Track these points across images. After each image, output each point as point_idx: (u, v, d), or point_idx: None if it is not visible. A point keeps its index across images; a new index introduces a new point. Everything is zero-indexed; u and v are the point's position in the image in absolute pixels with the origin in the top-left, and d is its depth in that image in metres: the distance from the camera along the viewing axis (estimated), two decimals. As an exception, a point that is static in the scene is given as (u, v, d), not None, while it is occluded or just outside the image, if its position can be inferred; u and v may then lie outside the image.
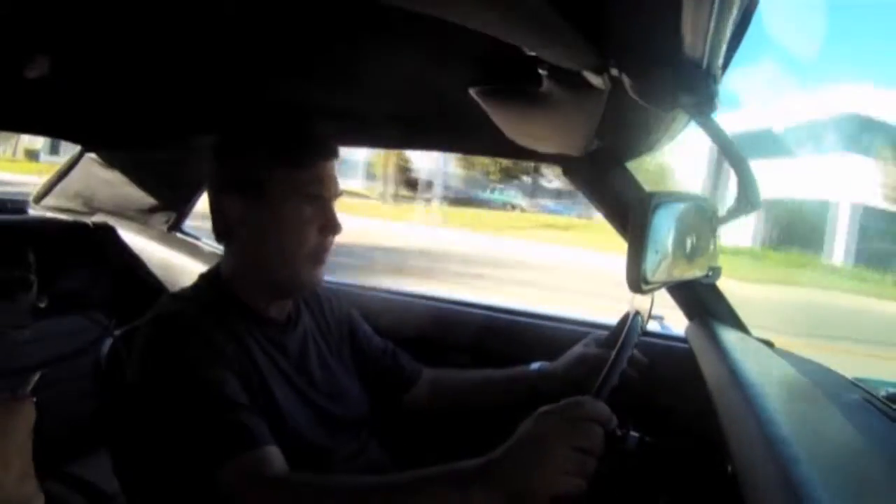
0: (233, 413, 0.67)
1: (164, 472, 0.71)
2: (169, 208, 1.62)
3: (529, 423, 0.60)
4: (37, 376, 0.50)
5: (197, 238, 1.65)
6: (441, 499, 0.58)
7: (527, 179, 20.62)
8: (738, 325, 1.10)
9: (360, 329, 0.99)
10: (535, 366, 0.97)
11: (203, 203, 0.98)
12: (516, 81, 0.70)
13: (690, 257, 0.77)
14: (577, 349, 0.95)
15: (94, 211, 1.66)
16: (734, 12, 0.44)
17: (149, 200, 1.61)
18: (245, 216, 0.79)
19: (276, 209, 0.78)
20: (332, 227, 0.81)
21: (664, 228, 0.65)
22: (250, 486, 0.62)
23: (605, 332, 0.98)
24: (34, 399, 0.50)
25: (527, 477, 0.56)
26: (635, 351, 0.80)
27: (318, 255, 0.81)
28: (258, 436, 0.66)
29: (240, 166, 0.79)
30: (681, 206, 0.71)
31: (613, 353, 0.75)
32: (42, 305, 0.52)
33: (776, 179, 13.33)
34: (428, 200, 18.12)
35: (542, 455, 0.57)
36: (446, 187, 19.23)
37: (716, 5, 0.41)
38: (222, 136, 0.82)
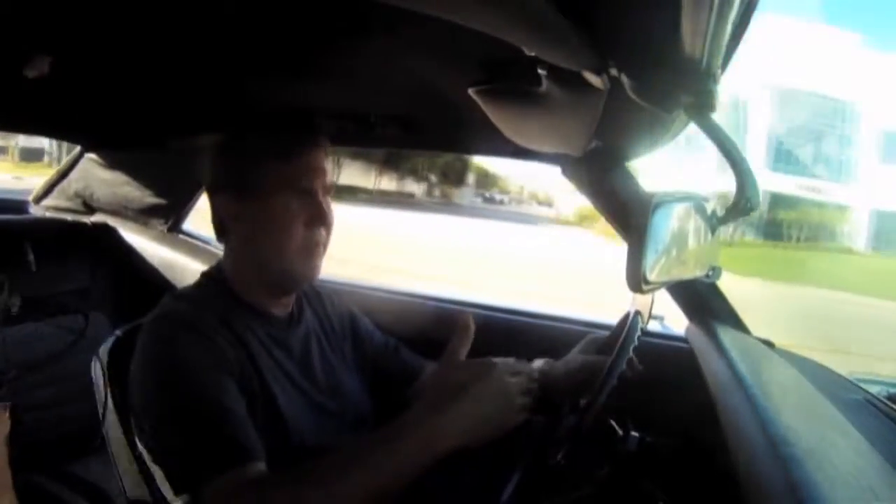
0: (227, 425, 0.66)
1: (162, 474, 0.71)
2: (169, 208, 1.62)
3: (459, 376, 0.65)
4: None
5: (197, 238, 1.65)
6: (404, 446, 0.61)
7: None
8: (738, 325, 1.10)
9: (362, 325, 0.99)
10: (536, 364, 0.96)
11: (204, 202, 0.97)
12: (516, 81, 0.70)
13: (690, 257, 0.77)
14: (576, 356, 0.95)
15: (93, 211, 1.66)
16: (734, 12, 0.44)
17: (148, 200, 1.61)
18: (239, 213, 0.79)
19: (267, 204, 0.77)
20: (319, 219, 0.79)
21: (664, 228, 0.65)
22: (234, 501, 0.62)
23: (604, 332, 0.98)
24: (8, 406, 0.47)
25: (486, 409, 0.63)
26: (633, 357, 0.79)
27: (309, 248, 0.80)
28: (249, 450, 0.66)
29: (231, 164, 0.80)
30: (681, 206, 0.70)
31: (613, 354, 0.75)
32: (14, 311, 0.50)
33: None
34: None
35: (495, 392, 0.64)
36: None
37: (715, 5, 0.41)
38: (215, 136, 0.83)
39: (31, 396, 1.30)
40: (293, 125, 0.80)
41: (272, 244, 0.79)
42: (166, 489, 0.72)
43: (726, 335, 0.98)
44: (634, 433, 0.64)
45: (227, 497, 0.62)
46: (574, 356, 0.94)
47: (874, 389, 0.92)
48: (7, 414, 0.46)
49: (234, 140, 0.81)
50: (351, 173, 16.90)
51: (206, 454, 0.64)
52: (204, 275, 0.85)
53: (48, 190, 1.65)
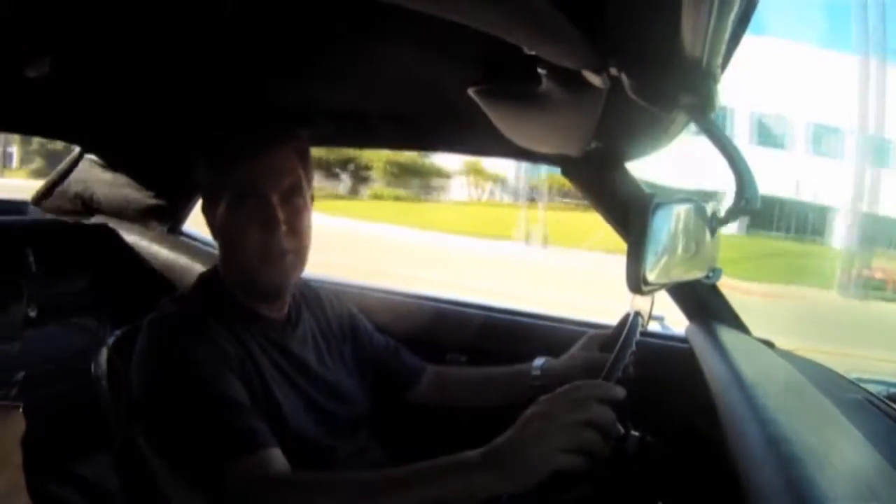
0: (236, 415, 0.67)
1: (167, 473, 0.71)
2: (168, 209, 1.62)
3: (531, 408, 0.60)
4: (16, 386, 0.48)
5: (197, 239, 1.65)
6: (442, 487, 0.58)
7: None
8: (739, 326, 1.10)
9: (362, 327, 0.99)
10: (538, 362, 0.96)
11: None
12: (516, 81, 0.70)
13: (690, 258, 0.77)
14: (578, 353, 0.95)
15: (93, 212, 1.66)
16: (734, 12, 0.44)
17: (148, 201, 1.61)
18: (210, 219, 0.80)
19: (223, 209, 0.77)
20: (272, 225, 0.75)
21: (664, 229, 0.65)
22: (254, 488, 0.62)
23: (604, 331, 0.98)
24: (21, 406, 0.47)
25: (525, 454, 0.56)
26: (630, 364, 0.80)
27: (268, 255, 0.76)
28: (261, 437, 0.66)
29: (199, 166, 0.81)
30: (680, 207, 0.71)
31: (613, 354, 0.75)
32: (32, 315, 0.50)
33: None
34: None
35: (538, 431, 0.57)
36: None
37: (715, 5, 0.41)
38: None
39: (30, 397, 1.30)
40: (268, 123, 0.79)
41: (232, 250, 0.79)
42: (169, 487, 0.72)
43: (726, 335, 0.98)
44: (634, 433, 0.64)
45: (242, 486, 0.62)
46: (576, 353, 0.94)
47: (874, 389, 0.92)
48: (21, 414, 0.46)
49: (207, 141, 0.81)
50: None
51: (216, 444, 0.65)
52: (200, 278, 0.85)
53: (48, 191, 1.65)
